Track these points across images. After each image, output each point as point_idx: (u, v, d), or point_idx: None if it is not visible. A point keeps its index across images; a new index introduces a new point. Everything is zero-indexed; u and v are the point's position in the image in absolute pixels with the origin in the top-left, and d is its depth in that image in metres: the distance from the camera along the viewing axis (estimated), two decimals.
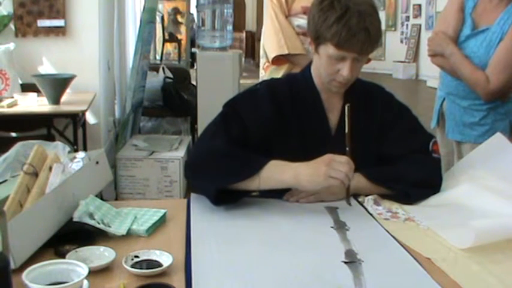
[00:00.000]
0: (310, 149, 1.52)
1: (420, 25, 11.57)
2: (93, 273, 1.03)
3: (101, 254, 1.13)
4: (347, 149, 1.42)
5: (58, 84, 3.18)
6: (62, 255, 1.12)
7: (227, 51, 3.99)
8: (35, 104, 3.18)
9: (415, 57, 11.65)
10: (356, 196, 1.48)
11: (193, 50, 7.40)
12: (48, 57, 3.57)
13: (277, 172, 1.39)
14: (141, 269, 1.08)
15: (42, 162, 1.37)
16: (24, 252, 1.09)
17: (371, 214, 1.41)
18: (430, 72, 9.61)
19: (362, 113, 1.53)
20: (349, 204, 1.44)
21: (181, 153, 3.70)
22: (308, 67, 1.61)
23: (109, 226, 1.25)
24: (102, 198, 1.35)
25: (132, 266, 1.08)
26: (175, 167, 3.59)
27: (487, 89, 2.05)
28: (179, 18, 7.60)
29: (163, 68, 4.97)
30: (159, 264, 1.09)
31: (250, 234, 1.28)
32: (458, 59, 2.10)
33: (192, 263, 1.12)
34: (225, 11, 4.01)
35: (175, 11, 7.59)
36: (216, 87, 3.74)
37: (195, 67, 4.24)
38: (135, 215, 1.34)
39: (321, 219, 1.36)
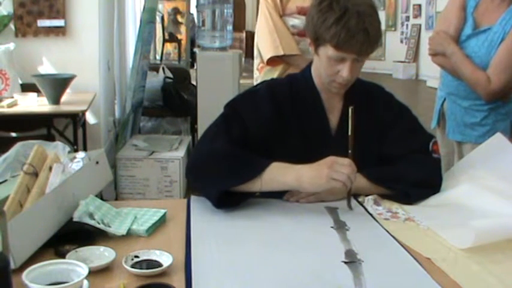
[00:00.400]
0: (310, 149, 1.52)
1: (420, 25, 11.57)
2: (93, 273, 1.03)
3: (101, 254, 1.13)
4: (349, 151, 1.40)
5: (58, 84, 3.18)
6: (62, 255, 1.12)
7: (227, 51, 3.99)
8: (35, 104, 3.18)
9: (415, 57, 11.65)
10: (356, 196, 1.48)
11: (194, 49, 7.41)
12: (48, 57, 3.57)
13: (279, 174, 1.38)
14: (141, 269, 1.08)
15: (42, 162, 1.37)
16: (24, 252, 1.09)
17: (371, 214, 1.41)
18: (430, 72, 9.61)
19: (362, 113, 1.53)
20: (350, 208, 1.42)
21: (181, 153, 3.70)
22: (308, 67, 1.60)
23: (109, 226, 1.25)
24: (102, 198, 1.35)
25: (132, 266, 1.08)
26: (175, 167, 3.59)
27: (487, 89, 2.05)
28: (179, 18, 7.60)
29: (163, 68, 4.97)
30: (159, 264, 1.09)
31: (250, 234, 1.28)
32: (459, 58, 2.10)
33: (192, 263, 1.12)
34: (225, 11, 4.01)
35: (175, 11, 7.59)
36: (216, 87, 3.74)
37: (195, 67, 4.24)
38: (135, 215, 1.34)
39: (321, 219, 1.36)
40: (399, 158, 1.53)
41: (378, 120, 1.58)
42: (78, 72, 3.35)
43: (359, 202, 1.47)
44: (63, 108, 3.17)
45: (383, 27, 10.88)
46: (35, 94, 3.22)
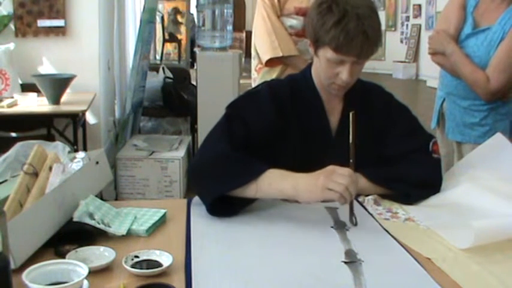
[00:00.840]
0: (310, 150, 1.52)
1: (420, 25, 11.57)
2: (93, 273, 1.03)
3: (101, 254, 1.13)
4: (351, 160, 1.33)
5: (58, 84, 3.18)
6: (62, 255, 1.12)
7: (227, 51, 3.99)
8: (35, 104, 3.18)
9: (415, 57, 11.65)
10: (356, 196, 1.48)
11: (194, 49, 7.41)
12: (48, 57, 3.57)
13: (275, 181, 1.34)
14: (141, 269, 1.08)
15: (42, 162, 1.37)
16: (24, 252, 1.09)
17: (371, 214, 1.41)
18: (430, 72, 9.61)
19: (362, 113, 1.53)
20: (354, 223, 1.32)
21: (181, 153, 3.70)
22: (308, 68, 1.60)
23: (109, 226, 1.25)
24: (102, 198, 1.35)
25: (132, 266, 1.08)
26: (175, 167, 3.59)
27: (487, 89, 2.05)
28: (179, 18, 7.60)
29: (163, 68, 4.97)
30: (159, 264, 1.09)
31: (250, 234, 1.28)
32: (458, 58, 2.10)
33: (192, 263, 1.12)
34: (225, 11, 4.01)
35: (175, 11, 7.59)
36: (216, 87, 3.74)
37: (195, 67, 4.24)
38: (135, 215, 1.34)
39: (321, 219, 1.36)
40: (399, 158, 1.53)
41: (378, 120, 1.58)
42: (78, 72, 3.35)
43: (359, 202, 1.47)
44: (63, 108, 3.17)
45: (383, 27, 10.86)
46: (35, 94, 3.22)
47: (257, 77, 3.07)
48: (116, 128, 3.96)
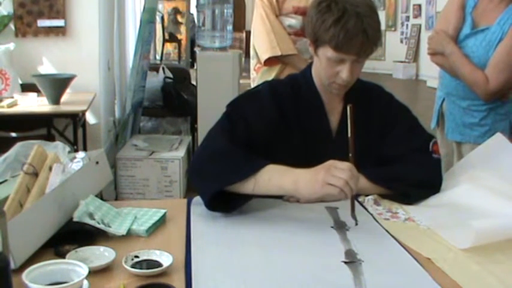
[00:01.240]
0: (311, 150, 1.52)
1: (420, 25, 11.57)
2: (93, 273, 1.03)
3: (101, 254, 1.13)
4: (350, 155, 1.32)
5: (58, 84, 3.18)
6: (62, 255, 1.12)
7: (227, 51, 3.99)
8: (35, 104, 3.18)
9: (415, 57, 11.65)
10: (356, 196, 1.48)
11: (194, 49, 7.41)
12: (48, 57, 3.57)
13: (275, 176, 1.32)
14: (141, 269, 1.08)
15: (42, 162, 1.37)
16: (24, 252, 1.09)
17: (371, 214, 1.41)
18: (430, 72, 9.61)
19: (362, 113, 1.53)
20: (355, 220, 1.30)
21: (181, 153, 3.70)
22: (309, 68, 1.60)
23: (109, 226, 1.25)
24: (102, 198, 1.35)
25: (132, 266, 1.08)
26: (175, 167, 3.59)
27: (486, 89, 2.05)
28: (179, 18, 7.61)
29: (163, 68, 4.97)
30: (159, 264, 1.09)
31: (250, 234, 1.28)
32: (458, 58, 2.10)
33: (192, 263, 1.12)
34: (225, 11, 4.01)
35: (175, 11, 7.60)
36: (216, 87, 3.75)
37: (195, 67, 4.24)
38: (135, 215, 1.34)
39: (321, 219, 1.36)
40: (399, 158, 1.53)
41: (378, 120, 1.58)
42: (78, 72, 3.35)
43: (359, 202, 1.47)
44: (63, 108, 3.17)
45: (383, 27, 10.88)
46: (35, 94, 3.22)
47: (256, 77, 3.08)
48: (116, 128, 3.96)
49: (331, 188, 1.25)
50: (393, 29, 12.45)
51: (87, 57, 3.54)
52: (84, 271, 0.98)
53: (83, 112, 3.29)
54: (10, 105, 3.07)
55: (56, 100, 3.16)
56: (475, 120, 2.15)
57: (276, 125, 1.51)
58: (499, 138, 1.65)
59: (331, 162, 1.28)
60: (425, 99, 7.86)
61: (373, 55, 1.49)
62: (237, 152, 1.38)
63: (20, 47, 3.44)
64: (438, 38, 2.18)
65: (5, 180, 1.47)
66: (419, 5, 11.61)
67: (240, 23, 13.48)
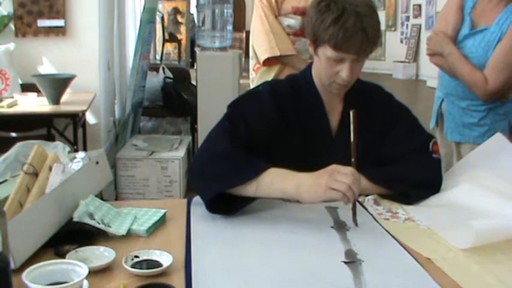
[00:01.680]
0: (311, 150, 1.52)
1: (420, 25, 11.56)
2: (93, 273, 1.03)
3: (101, 254, 1.13)
4: (352, 160, 1.32)
5: (58, 84, 3.18)
6: (62, 255, 1.12)
7: (227, 51, 3.99)
8: (35, 104, 3.18)
9: (415, 57, 11.64)
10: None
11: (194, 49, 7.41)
12: (48, 57, 3.57)
13: (277, 180, 1.31)
14: (141, 269, 1.08)
15: (42, 162, 1.37)
16: (24, 252, 1.09)
17: (371, 214, 1.41)
18: (430, 73, 9.60)
19: (362, 113, 1.53)
20: (356, 224, 1.31)
21: (181, 153, 3.70)
22: (308, 68, 1.60)
23: (109, 226, 1.25)
24: (102, 198, 1.35)
25: (132, 266, 1.08)
26: (175, 167, 3.59)
27: (485, 90, 2.05)
28: (179, 18, 7.61)
29: (163, 68, 4.97)
30: (159, 264, 1.09)
31: (250, 234, 1.28)
32: (456, 58, 2.10)
33: (192, 263, 1.12)
34: (225, 11, 4.01)
35: (175, 11, 7.60)
36: (216, 87, 3.74)
37: (195, 67, 4.24)
38: (135, 215, 1.34)
39: (321, 219, 1.36)
40: (399, 158, 1.53)
41: (378, 120, 1.58)
42: (78, 72, 3.35)
43: (359, 202, 1.47)
44: (63, 108, 3.17)
45: (383, 27, 10.89)
46: (35, 94, 3.22)
47: (255, 77, 3.08)
48: (116, 128, 3.96)
49: (334, 192, 1.25)
50: (393, 29, 12.44)
51: (87, 57, 3.54)
52: (84, 271, 0.98)
53: (83, 112, 3.29)
54: (10, 105, 3.07)
55: (56, 100, 3.16)
56: (474, 120, 2.15)
57: (276, 125, 1.51)
58: (498, 138, 1.66)
59: (333, 166, 1.28)
60: (425, 99, 7.86)
61: (373, 55, 1.49)
62: (239, 153, 1.37)
63: (20, 47, 3.44)
64: (437, 38, 2.18)
65: (5, 180, 1.47)
66: (419, 5, 11.61)
67: (240, 23, 13.47)
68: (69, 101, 3.25)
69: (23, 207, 1.29)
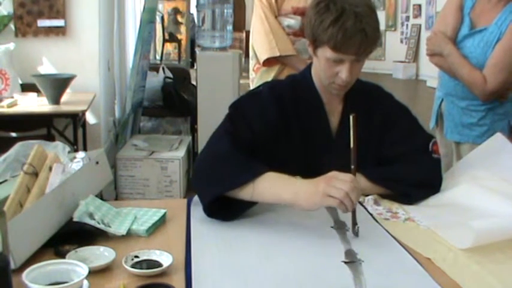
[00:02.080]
0: (311, 150, 1.52)
1: (420, 25, 11.56)
2: (93, 273, 1.03)
3: (101, 254, 1.13)
4: (352, 166, 1.27)
5: (58, 84, 3.18)
6: (62, 255, 1.12)
7: (227, 51, 3.99)
8: (35, 104, 3.18)
9: (415, 57, 11.64)
10: None
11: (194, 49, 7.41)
12: (48, 57, 3.57)
13: (274, 185, 1.29)
14: (141, 269, 1.08)
15: (42, 162, 1.37)
16: (24, 252, 1.09)
17: (371, 214, 1.41)
18: (430, 72, 9.59)
19: (361, 113, 1.52)
20: (356, 234, 1.26)
21: (181, 153, 3.70)
22: (308, 69, 1.60)
23: (109, 226, 1.25)
24: (102, 198, 1.35)
25: (132, 266, 1.08)
26: (175, 167, 3.59)
27: (484, 90, 2.05)
28: (179, 18, 7.60)
29: (163, 68, 4.97)
30: (159, 264, 1.09)
31: (250, 234, 1.28)
32: (456, 59, 2.10)
33: (192, 263, 1.12)
34: (225, 11, 4.01)
35: (175, 11, 7.59)
36: (216, 87, 3.74)
37: (195, 67, 4.24)
38: (135, 215, 1.34)
39: (321, 219, 1.36)
40: (399, 158, 1.53)
41: (378, 120, 1.58)
42: (78, 72, 3.35)
43: (359, 202, 1.47)
44: (63, 108, 3.17)
45: (383, 27, 10.89)
46: (35, 94, 3.22)
47: (255, 77, 3.08)
48: (116, 128, 3.96)
49: (331, 199, 1.21)
50: (393, 29, 12.44)
51: (87, 57, 3.54)
52: (84, 271, 0.98)
53: (83, 112, 3.29)
54: (10, 105, 3.07)
55: (56, 100, 3.16)
56: (473, 120, 2.15)
57: (277, 126, 1.51)
58: (498, 138, 1.66)
59: (332, 173, 1.24)
60: (425, 99, 7.85)
61: (373, 55, 1.49)
62: (238, 156, 1.36)
63: (20, 47, 3.44)
64: (436, 39, 2.18)
65: (5, 180, 1.47)
66: (419, 5, 11.61)
67: (240, 23, 13.47)
68: (69, 101, 3.25)
69: (23, 207, 1.29)
